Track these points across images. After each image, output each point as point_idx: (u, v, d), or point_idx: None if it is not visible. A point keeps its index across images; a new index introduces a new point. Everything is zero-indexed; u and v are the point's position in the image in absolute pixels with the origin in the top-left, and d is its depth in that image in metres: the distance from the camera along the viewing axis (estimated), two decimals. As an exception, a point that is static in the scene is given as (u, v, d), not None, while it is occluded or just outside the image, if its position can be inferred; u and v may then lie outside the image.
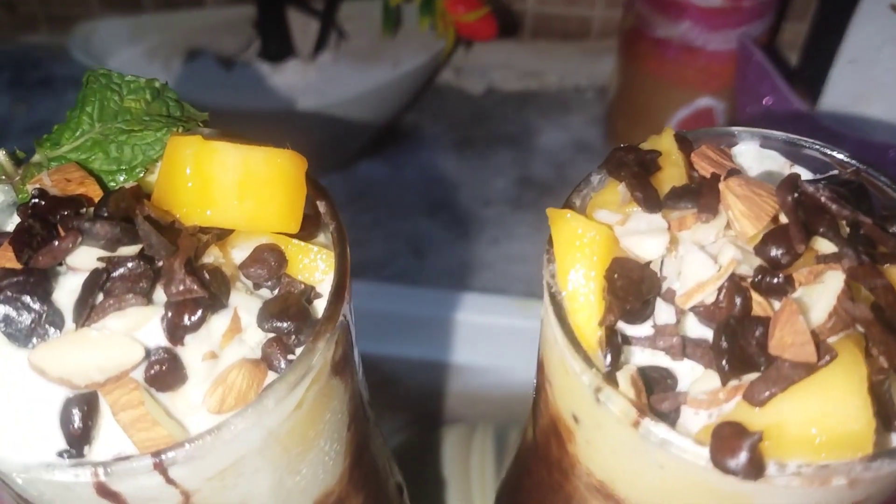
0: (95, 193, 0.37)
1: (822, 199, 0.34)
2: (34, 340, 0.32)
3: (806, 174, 0.41)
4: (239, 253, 0.38)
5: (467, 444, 0.88)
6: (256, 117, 0.99)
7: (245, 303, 0.36)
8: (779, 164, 0.42)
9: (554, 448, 0.41)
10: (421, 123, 1.18)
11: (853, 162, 0.40)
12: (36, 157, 0.39)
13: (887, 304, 0.33)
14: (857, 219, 0.34)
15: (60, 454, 0.32)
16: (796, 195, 0.34)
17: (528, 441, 0.47)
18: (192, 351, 0.34)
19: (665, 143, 0.39)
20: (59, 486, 0.32)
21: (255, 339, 0.36)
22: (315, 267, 0.38)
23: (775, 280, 0.33)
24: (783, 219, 0.35)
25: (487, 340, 0.94)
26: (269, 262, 0.37)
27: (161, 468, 0.32)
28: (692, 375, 0.34)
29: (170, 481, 0.33)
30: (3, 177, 0.39)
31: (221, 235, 0.38)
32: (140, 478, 0.32)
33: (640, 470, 0.35)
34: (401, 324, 0.94)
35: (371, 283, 0.97)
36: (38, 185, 0.37)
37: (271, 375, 0.35)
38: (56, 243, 0.32)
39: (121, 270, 0.32)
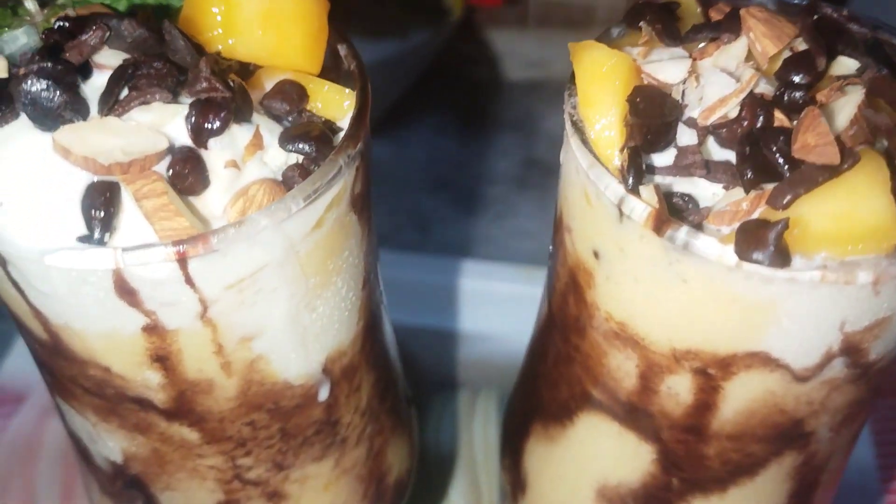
0: (121, 26, 0.37)
1: (841, 20, 0.34)
2: (59, 125, 0.32)
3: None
4: (260, 94, 0.38)
5: (470, 409, 0.87)
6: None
7: (267, 124, 0.36)
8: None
9: (572, 306, 0.41)
10: (426, 108, 1.19)
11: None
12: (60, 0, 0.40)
13: (908, 117, 0.33)
14: (877, 37, 0.34)
15: (80, 240, 0.31)
16: (816, 17, 0.34)
17: (541, 323, 0.47)
18: (215, 155, 0.33)
19: (685, -1, 0.40)
20: (76, 277, 0.31)
21: (276, 162, 0.35)
22: (336, 103, 0.38)
23: (797, 94, 0.33)
24: (802, 47, 0.35)
25: (491, 307, 0.93)
26: (290, 95, 0.37)
27: (182, 260, 0.31)
28: (713, 200, 0.34)
29: (189, 281, 0.32)
30: (27, 17, 0.39)
31: (244, 75, 0.38)
32: (160, 271, 0.31)
33: (662, 293, 0.35)
34: (404, 291, 0.94)
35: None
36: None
37: (292, 197, 0.35)
38: (83, 37, 0.33)
39: (147, 69, 0.33)
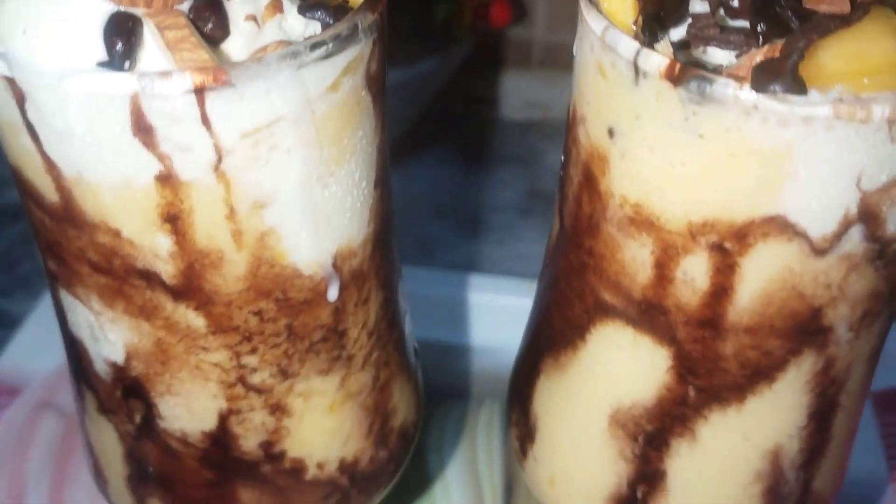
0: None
1: None
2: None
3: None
4: None
5: (474, 418, 0.85)
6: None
7: None
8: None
9: (585, 205, 0.41)
10: (430, 143, 1.21)
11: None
12: None
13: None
14: None
15: (100, 65, 0.31)
16: None
17: (551, 251, 0.47)
18: (236, 7, 0.34)
19: None
20: (94, 107, 0.31)
21: (295, 31, 0.36)
22: None
23: None
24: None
25: (494, 321, 0.92)
26: None
27: (200, 92, 0.31)
28: (727, 52, 0.35)
29: (205, 120, 0.32)
30: None
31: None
32: (177, 104, 0.31)
33: (678, 157, 0.35)
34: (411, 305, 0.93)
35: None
36: None
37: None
38: None
39: None
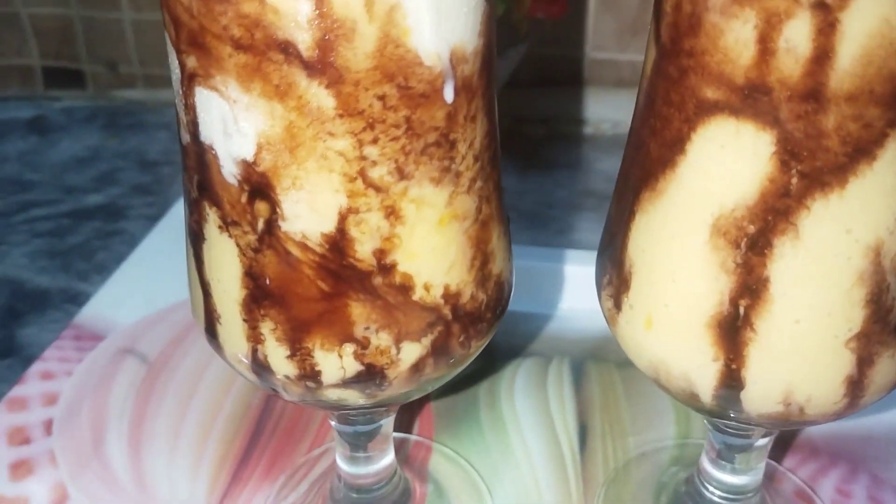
0: None
1: None
2: None
3: None
4: None
5: (543, 372, 0.86)
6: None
7: None
8: None
9: (686, 5, 0.44)
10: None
11: None
12: None
13: None
14: None
15: None
16: None
17: (648, 76, 0.49)
18: None
19: None
20: None
21: None
22: None
23: None
24: None
25: (560, 288, 0.94)
26: None
27: None
28: None
29: None
30: None
31: None
32: None
33: None
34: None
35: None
36: None
37: None
38: None
39: None
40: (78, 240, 1.08)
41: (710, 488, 0.65)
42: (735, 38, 0.42)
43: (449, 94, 0.44)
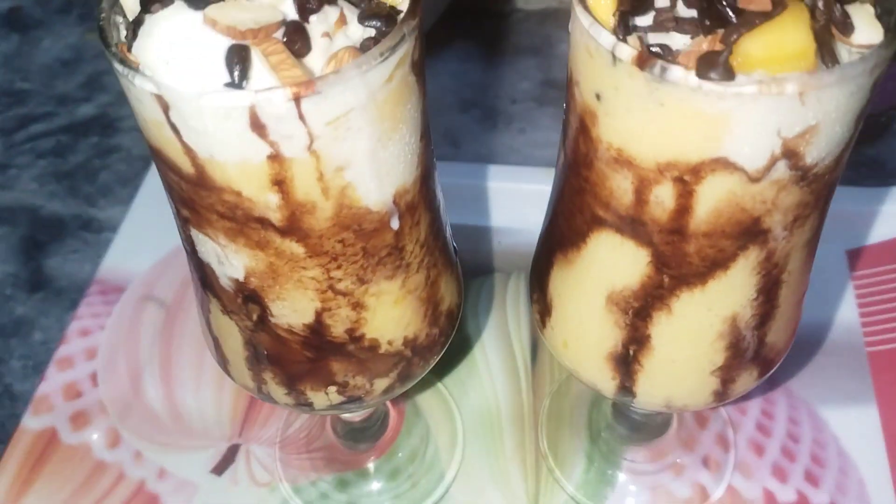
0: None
1: None
2: (206, 4, 0.44)
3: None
4: None
5: (503, 289, 1.00)
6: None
7: (348, 7, 0.48)
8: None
9: (581, 145, 0.53)
10: (452, 40, 1.31)
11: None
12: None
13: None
14: None
15: (226, 86, 0.44)
16: None
17: (558, 173, 0.59)
18: (314, 28, 0.46)
19: None
20: (222, 114, 0.44)
21: (356, 35, 0.48)
22: None
23: None
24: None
25: (518, 204, 1.05)
26: None
27: (297, 99, 0.44)
28: (683, 47, 0.46)
29: (301, 117, 0.45)
30: None
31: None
32: (282, 108, 0.44)
33: (647, 117, 0.47)
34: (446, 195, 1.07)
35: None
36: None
37: (369, 61, 0.47)
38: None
39: None
40: (79, 159, 1.18)
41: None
42: (618, 185, 0.52)
43: (395, 223, 0.55)
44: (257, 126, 0.45)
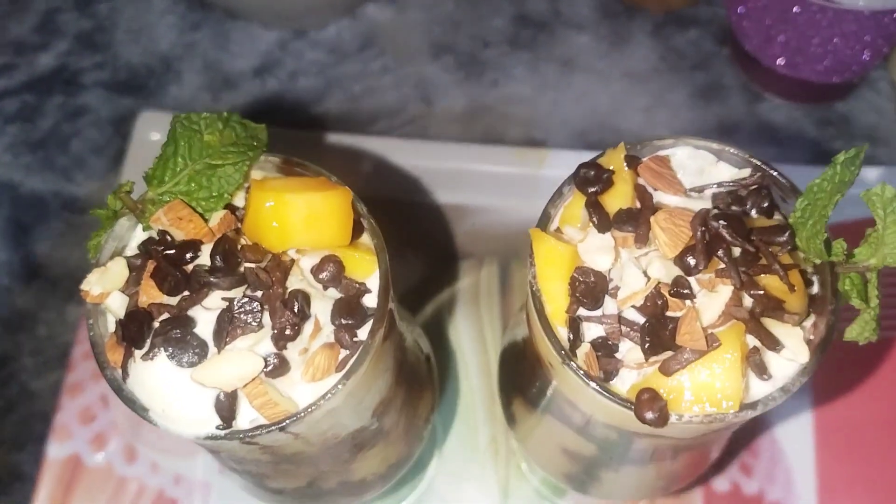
0: (201, 228, 0.51)
1: (722, 231, 0.48)
2: (191, 361, 0.48)
3: (728, 168, 0.55)
4: (309, 260, 0.53)
5: (476, 277, 1.06)
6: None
7: (322, 308, 0.51)
8: (708, 162, 0.55)
9: (537, 363, 0.59)
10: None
11: (760, 164, 0.54)
12: (149, 194, 0.53)
13: (761, 306, 0.48)
14: (744, 247, 0.48)
15: (218, 427, 0.49)
16: (703, 229, 0.48)
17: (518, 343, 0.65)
18: (291, 351, 0.50)
19: (617, 161, 0.53)
20: (216, 445, 0.50)
21: (329, 329, 0.52)
22: (366, 266, 0.53)
23: (684, 290, 0.49)
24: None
25: (490, 185, 1.08)
26: (331, 269, 0.52)
27: (283, 429, 0.49)
28: (629, 346, 0.51)
29: (286, 431, 0.51)
30: (130, 212, 0.53)
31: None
32: (269, 436, 0.50)
33: (588, 395, 0.52)
34: (416, 173, 1.09)
35: (388, 139, 1.10)
36: (159, 226, 0.51)
37: (342, 352, 0.51)
38: (197, 295, 0.48)
39: (241, 308, 0.48)
40: (48, 123, 1.16)
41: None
42: (566, 404, 0.59)
43: (374, 424, 0.62)
44: (250, 443, 0.51)
